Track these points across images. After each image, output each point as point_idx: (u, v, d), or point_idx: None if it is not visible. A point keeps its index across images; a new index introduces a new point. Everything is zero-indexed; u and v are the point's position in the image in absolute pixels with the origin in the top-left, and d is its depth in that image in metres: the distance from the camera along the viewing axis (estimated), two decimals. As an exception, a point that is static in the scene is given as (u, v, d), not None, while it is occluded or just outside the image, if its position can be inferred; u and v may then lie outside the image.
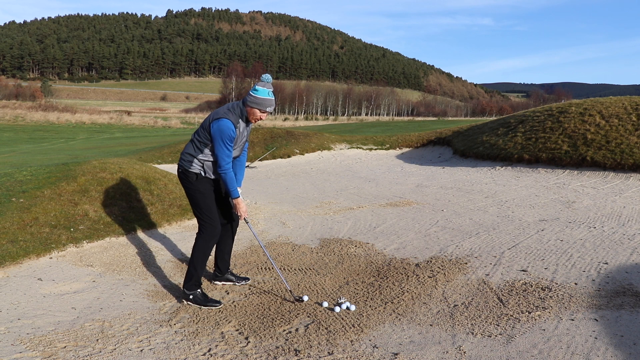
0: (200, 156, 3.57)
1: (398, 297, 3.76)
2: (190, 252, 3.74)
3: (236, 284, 4.07)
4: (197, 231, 3.72)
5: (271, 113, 3.82)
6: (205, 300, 3.61)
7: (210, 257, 4.71)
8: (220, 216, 3.83)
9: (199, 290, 3.65)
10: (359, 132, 19.82)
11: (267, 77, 3.56)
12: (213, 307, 3.57)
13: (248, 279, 4.15)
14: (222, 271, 4.07)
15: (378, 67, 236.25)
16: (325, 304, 3.60)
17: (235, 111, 3.52)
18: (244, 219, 3.74)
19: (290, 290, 3.80)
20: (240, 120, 3.56)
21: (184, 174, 3.64)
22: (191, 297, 3.61)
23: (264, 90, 3.50)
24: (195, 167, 3.60)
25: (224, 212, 3.89)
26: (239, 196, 3.66)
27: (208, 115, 3.65)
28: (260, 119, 3.58)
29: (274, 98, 3.57)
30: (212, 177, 3.68)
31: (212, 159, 3.60)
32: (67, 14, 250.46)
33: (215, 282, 4.08)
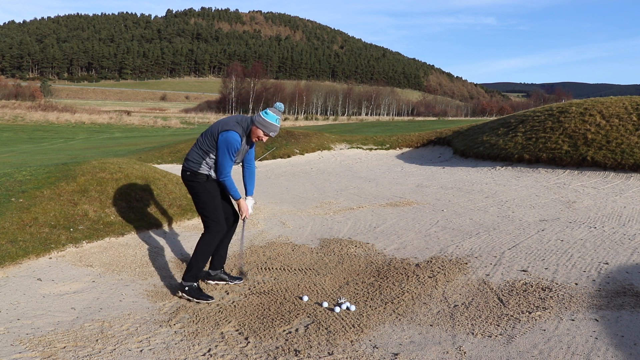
0: (207, 159, 3.77)
1: (398, 297, 3.76)
2: (192, 250, 3.83)
3: (229, 283, 4.09)
4: (201, 231, 3.91)
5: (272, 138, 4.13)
6: (199, 294, 3.74)
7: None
8: (225, 213, 4.06)
9: (195, 283, 3.79)
10: (359, 132, 19.81)
11: (280, 105, 3.83)
12: (205, 301, 3.67)
13: (241, 279, 4.16)
14: (216, 266, 4.10)
15: (378, 66, 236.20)
16: (325, 304, 3.60)
17: (243, 125, 3.74)
18: (244, 218, 3.97)
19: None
20: (244, 134, 3.77)
21: (192, 175, 3.80)
22: (187, 288, 3.75)
23: (273, 116, 3.73)
24: (204, 169, 3.79)
25: (228, 209, 4.08)
26: (241, 197, 3.88)
27: (216, 122, 3.83)
28: (260, 139, 3.79)
29: (279, 125, 3.81)
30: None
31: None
32: (67, 14, 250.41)
33: (208, 282, 4.09)
